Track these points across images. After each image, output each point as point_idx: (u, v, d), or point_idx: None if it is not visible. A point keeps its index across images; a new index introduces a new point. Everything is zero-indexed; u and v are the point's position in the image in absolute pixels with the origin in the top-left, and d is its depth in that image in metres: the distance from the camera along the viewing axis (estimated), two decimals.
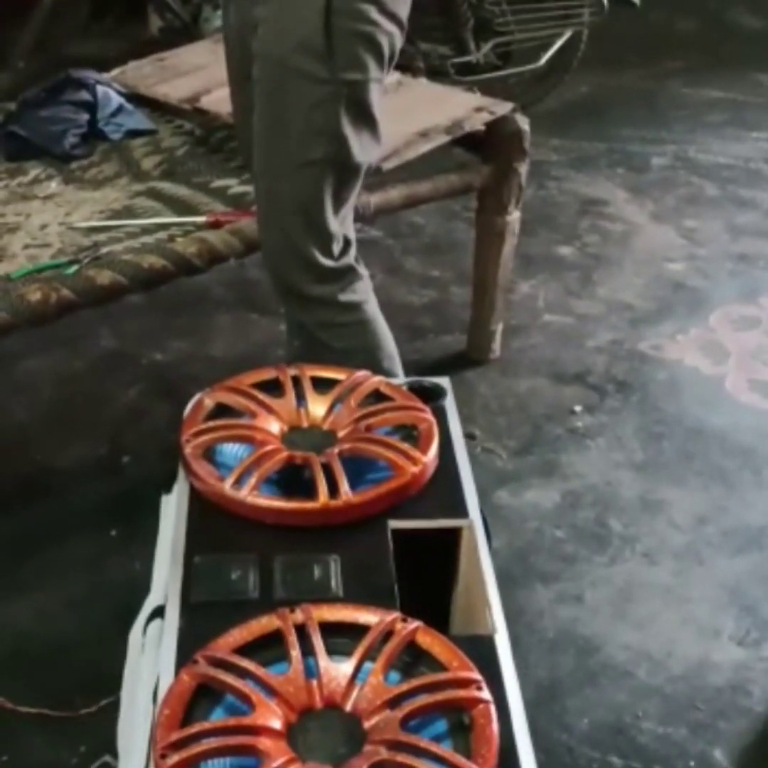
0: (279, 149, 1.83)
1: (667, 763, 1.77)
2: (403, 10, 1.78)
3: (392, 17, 1.76)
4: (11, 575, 2.06)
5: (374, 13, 1.72)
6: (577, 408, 2.63)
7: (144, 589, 1.43)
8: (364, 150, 1.85)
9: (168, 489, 1.49)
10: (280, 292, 2.02)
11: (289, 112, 1.79)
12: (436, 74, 3.81)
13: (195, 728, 1.04)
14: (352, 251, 1.97)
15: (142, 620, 1.35)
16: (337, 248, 1.92)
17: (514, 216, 2.67)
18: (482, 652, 1.19)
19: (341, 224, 1.91)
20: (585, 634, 2.01)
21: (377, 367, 1.97)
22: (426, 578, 1.44)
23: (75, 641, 1.92)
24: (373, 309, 2.04)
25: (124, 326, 2.83)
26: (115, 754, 1.41)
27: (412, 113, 2.53)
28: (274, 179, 1.87)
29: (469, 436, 2.33)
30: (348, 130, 1.79)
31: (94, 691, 1.76)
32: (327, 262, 1.91)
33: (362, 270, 2.00)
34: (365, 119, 1.82)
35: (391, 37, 1.78)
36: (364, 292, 2.02)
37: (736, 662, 1.96)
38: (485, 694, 1.09)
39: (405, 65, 3.66)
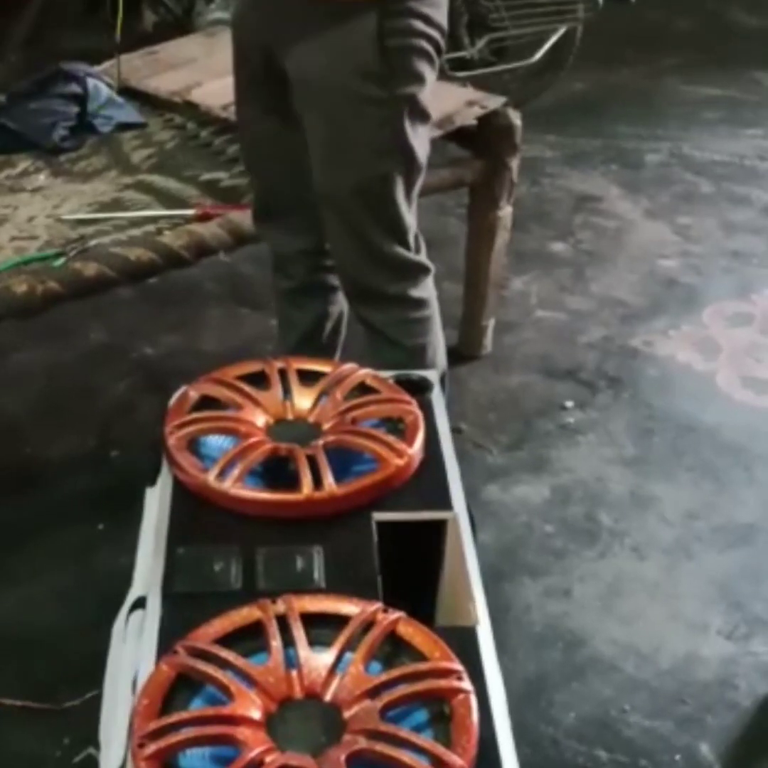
0: (347, 170, 1.86)
1: (653, 757, 1.77)
2: (444, 17, 1.83)
3: (437, 27, 1.80)
4: None
5: (422, 26, 1.77)
6: (568, 404, 2.63)
7: (131, 581, 1.43)
8: (424, 147, 1.90)
9: (152, 481, 1.49)
10: (355, 295, 2.04)
11: (354, 134, 1.82)
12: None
13: (173, 718, 1.03)
14: (422, 244, 2.02)
15: (125, 611, 1.35)
16: (413, 241, 1.97)
17: (506, 211, 2.66)
18: (464, 643, 1.18)
19: (413, 216, 1.97)
20: (573, 628, 2.01)
21: (439, 363, 2.09)
22: (411, 570, 1.43)
23: (61, 633, 1.92)
24: (436, 305, 2.09)
25: (114, 320, 2.83)
26: (98, 747, 1.40)
27: None
28: (345, 196, 1.89)
29: (456, 430, 2.32)
30: (413, 138, 1.84)
31: (80, 683, 1.76)
32: (408, 256, 1.96)
33: (431, 264, 2.04)
34: (422, 120, 1.87)
35: (438, 41, 1.82)
36: (432, 287, 2.07)
37: (723, 657, 1.96)
38: (466, 684, 1.09)
39: None
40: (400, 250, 1.95)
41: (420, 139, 1.87)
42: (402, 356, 2.02)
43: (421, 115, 1.85)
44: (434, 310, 2.08)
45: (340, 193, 1.89)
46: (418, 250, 2.00)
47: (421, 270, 2.01)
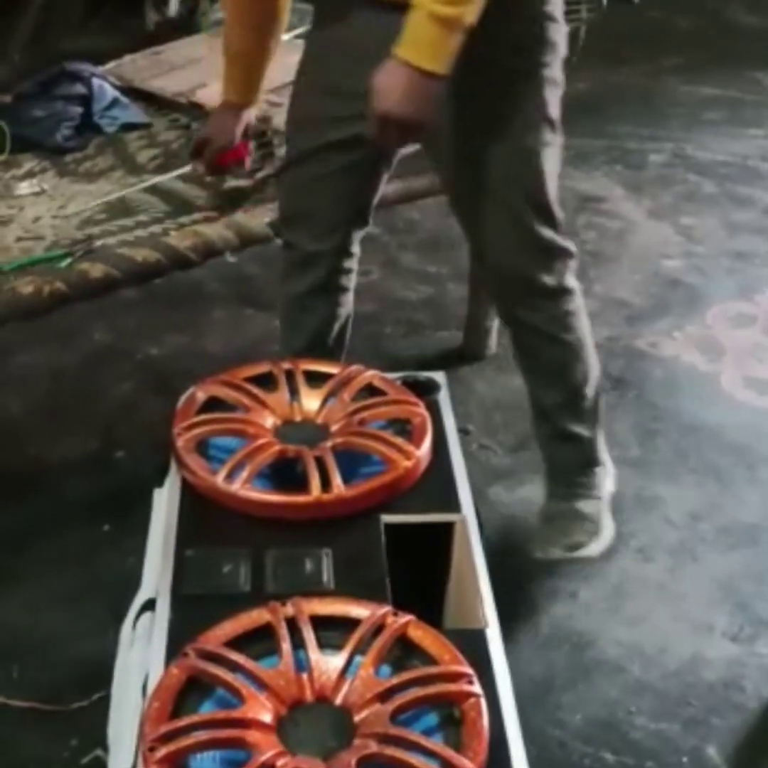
0: (498, 153, 1.81)
1: (660, 759, 1.77)
2: None
3: None
4: (3, 569, 2.06)
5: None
6: None
7: (137, 583, 1.43)
8: (559, 118, 1.87)
9: (160, 482, 1.49)
10: (511, 294, 1.98)
11: (504, 111, 1.79)
12: None
13: (184, 721, 1.03)
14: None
15: (133, 614, 1.35)
16: (561, 222, 1.92)
17: None
18: (474, 646, 1.19)
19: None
20: (579, 629, 2.00)
21: (593, 357, 2.05)
22: (419, 572, 1.43)
23: (67, 635, 1.92)
24: None
25: (118, 320, 2.82)
26: (106, 749, 1.40)
27: None
28: (498, 182, 1.83)
29: (462, 431, 2.32)
30: (554, 109, 1.82)
31: (86, 685, 1.76)
32: (560, 240, 1.91)
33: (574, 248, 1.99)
34: (558, 89, 1.84)
35: (561, 7, 1.82)
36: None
37: (729, 658, 1.96)
38: (476, 687, 1.09)
39: None
40: (554, 234, 1.89)
41: (558, 110, 1.84)
42: (565, 353, 2.00)
43: (557, 85, 1.83)
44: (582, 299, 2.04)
45: (492, 182, 1.83)
46: (564, 231, 1.94)
47: (570, 255, 1.94)
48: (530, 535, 2.12)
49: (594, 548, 2.07)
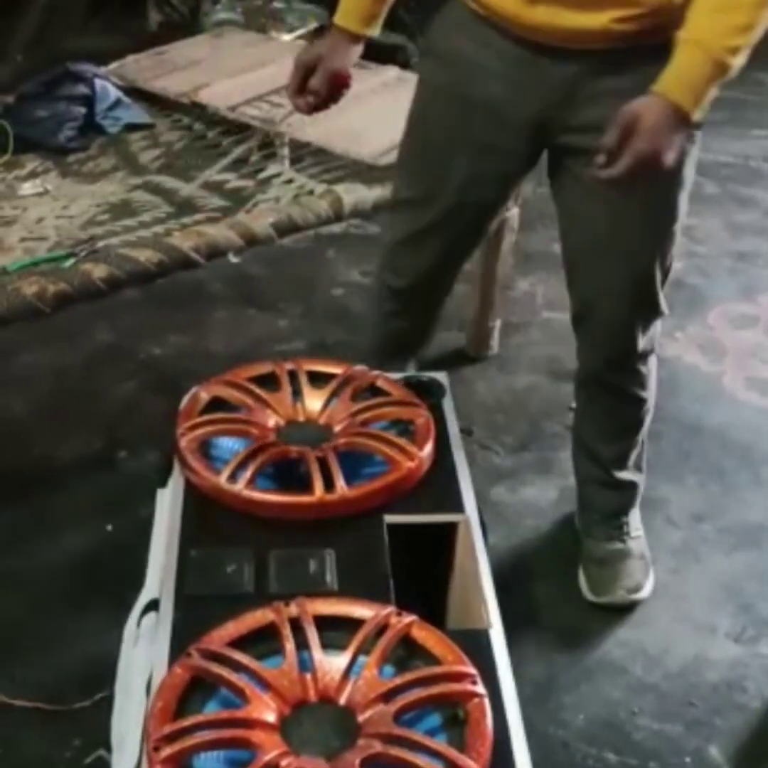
0: (641, 204, 1.70)
1: (663, 760, 1.77)
2: None
3: None
4: (6, 568, 2.06)
5: None
6: (575, 405, 2.62)
7: (140, 583, 1.43)
8: None
9: (163, 483, 1.49)
10: (609, 357, 1.92)
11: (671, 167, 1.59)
12: None
13: (188, 721, 1.03)
14: None
15: (137, 613, 1.35)
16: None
17: (513, 212, 2.66)
18: (477, 646, 1.19)
19: None
20: (581, 630, 2.00)
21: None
22: (422, 573, 1.43)
23: (70, 635, 1.92)
24: None
25: (121, 320, 2.82)
26: (109, 749, 1.41)
27: None
28: (635, 234, 1.74)
29: (466, 432, 2.32)
30: (689, 159, 1.72)
31: (90, 685, 1.76)
32: (664, 302, 1.85)
33: None
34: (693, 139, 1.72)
35: None
36: None
37: (732, 659, 1.96)
38: (480, 688, 1.09)
39: (405, 62, 3.66)
40: (663, 296, 1.84)
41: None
42: (639, 411, 1.99)
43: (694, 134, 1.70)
44: None
45: (631, 234, 1.74)
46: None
47: (663, 316, 1.90)
48: (587, 578, 2.08)
49: (648, 587, 2.07)
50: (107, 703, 1.45)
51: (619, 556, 2.07)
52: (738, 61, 1.53)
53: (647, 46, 1.56)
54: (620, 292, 1.81)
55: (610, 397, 1.98)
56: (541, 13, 1.58)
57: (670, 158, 1.52)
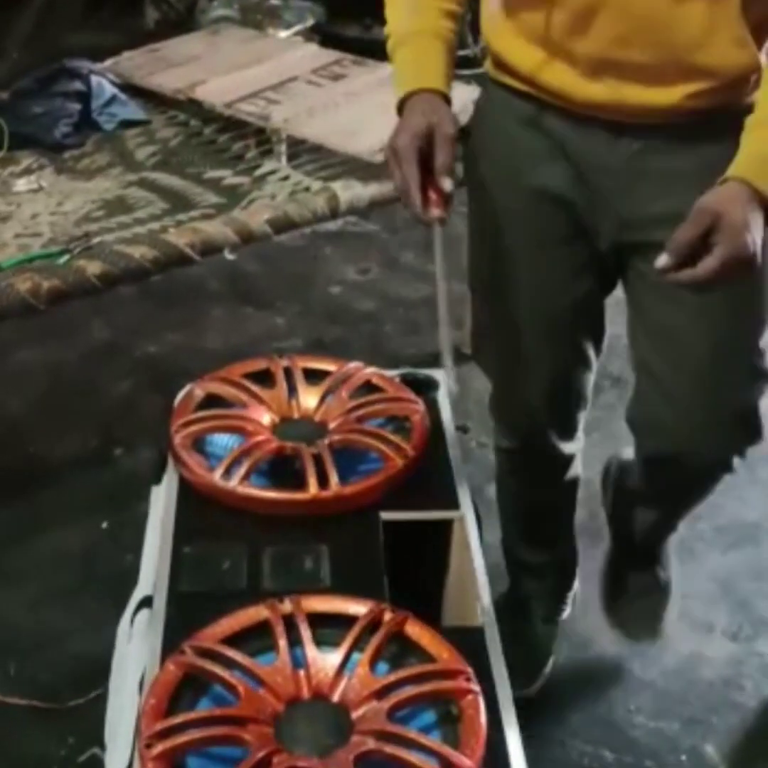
0: (733, 297, 1.41)
1: (659, 758, 1.77)
2: None
3: None
4: (2, 565, 2.05)
5: None
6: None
7: (135, 580, 1.42)
8: None
9: (158, 480, 1.48)
10: (684, 476, 1.67)
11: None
12: None
13: (180, 718, 1.03)
14: None
15: (131, 611, 1.35)
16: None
17: None
18: (471, 643, 1.18)
19: None
20: (578, 628, 2.00)
21: None
22: (418, 570, 1.43)
23: (65, 632, 1.92)
24: None
25: (117, 318, 2.82)
26: (103, 747, 1.40)
27: None
28: (731, 333, 1.50)
29: (461, 429, 2.31)
30: None
31: (84, 682, 1.76)
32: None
33: None
34: None
35: None
36: None
37: (728, 657, 1.96)
38: (474, 685, 1.09)
39: None
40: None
41: None
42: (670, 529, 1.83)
43: None
44: None
45: (719, 332, 1.50)
46: None
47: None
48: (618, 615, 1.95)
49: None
50: (101, 700, 1.44)
51: (656, 590, 1.90)
52: None
53: (717, 123, 1.38)
54: (706, 422, 1.54)
55: (670, 514, 1.78)
56: (601, 89, 1.40)
57: (759, 256, 1.26)
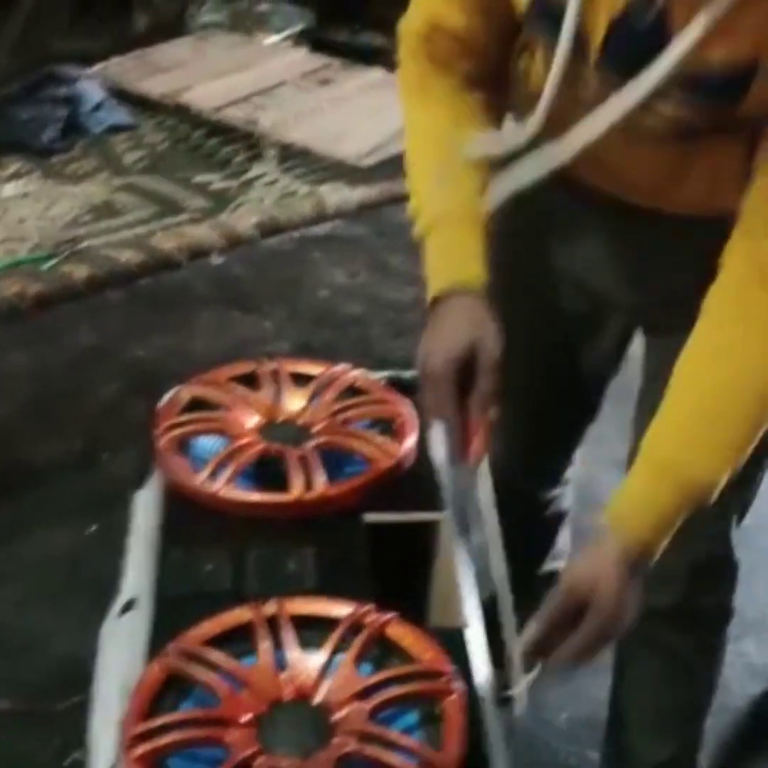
0: None
1: None
2: None
3: None
4: None
5: None
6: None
7: (120, 583, 1.42)
8: None
9: (142, 483, 1.48)
10: (676, 612, 1.50)
11: None
12: None
13: (162, 720, 1.03)
14: None
15: (115, 614, 1.34)
16: None
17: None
18: (455, 644, 1.18)
19: None
20: None
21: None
22: (404, 571, 1.43)
23: (51, 635, 1.91)
24: None
25: (104, 322, 2.82)
26: (88, 750, 1.40)
27: (393, 110, 2.52)
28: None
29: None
30: None
31: (69, 685, 1.75)
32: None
33: None
34: None
35: None
36: None
37: None
38: (457, 685, 1.09)
39: (390, 63, 3.66)
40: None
41: None
42: (698, 696, 1.58)
43: None
44: None
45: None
46: None
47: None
48: None
49: None
50: (86, 703, 1.44)
51: None
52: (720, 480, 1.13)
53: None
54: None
55: (663, 664, 1.52)
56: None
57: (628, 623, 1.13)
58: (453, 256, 1.22)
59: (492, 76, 1.25)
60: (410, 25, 1.25)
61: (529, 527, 1.72)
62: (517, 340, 1.25)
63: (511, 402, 1.35)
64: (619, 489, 1.16)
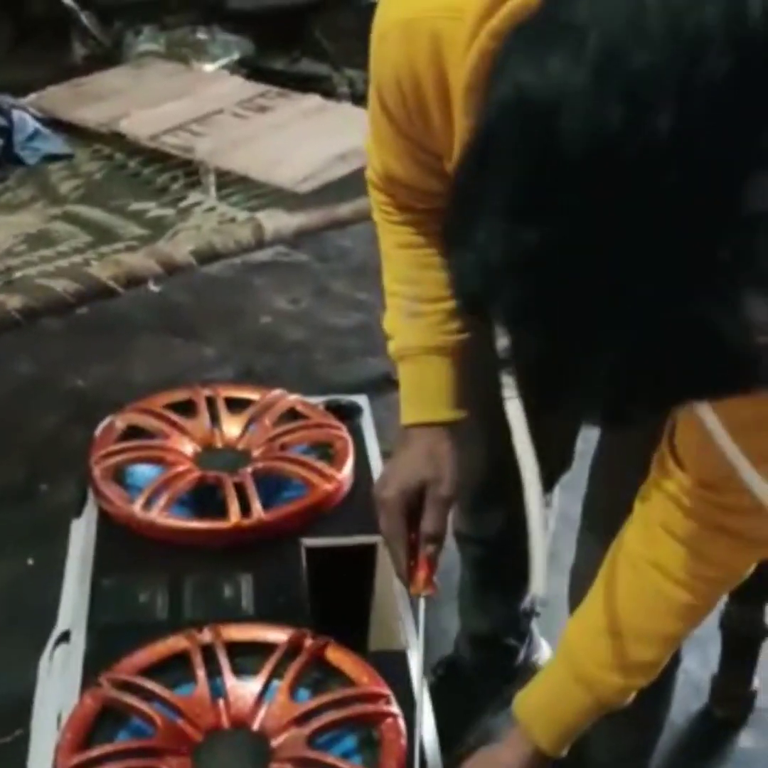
0: None
1: None
2: None
3: None
4: None
5: None
6: None
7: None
8: None
9: (78, 513, 1.47)
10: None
11: None
12: (363, 100, 3.82)
13: (97, 751, 1.02)
14: None
15: (51, 646, 1.33)
16: None
17: None
18: (394, 667, 1.18)
19: None
20: None
21: None
22: (344, 595, 1.43)
23: None
24: None
25: (43, 352, 2.79)
26: None
27: (332, 136, 2.54)
28: None
29: (387, 455, 2.32)
30: None
31: (8, 720, 1.72)
32: None
33: None
34: None
35: None
36: None
37: None
38: (394, 708, 1.09)
39: (329, 92, 3.68)
40: None
41: None
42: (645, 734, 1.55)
43: None
44: None
45: None
46: None
47: None
48: None
49: None
50: (25, 739, 1.41)
51: None
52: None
53: None
54: None
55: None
56: None
57: None
58: (421, 388, 1.24)
59: None
60: (370, 171, 1.24)
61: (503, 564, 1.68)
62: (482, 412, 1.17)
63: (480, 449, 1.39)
64: (536, 680, 1.13)
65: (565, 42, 0.61)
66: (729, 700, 1.93)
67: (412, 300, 1.21)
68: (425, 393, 1.24)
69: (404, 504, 1.19)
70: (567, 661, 1.08)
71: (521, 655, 1.84)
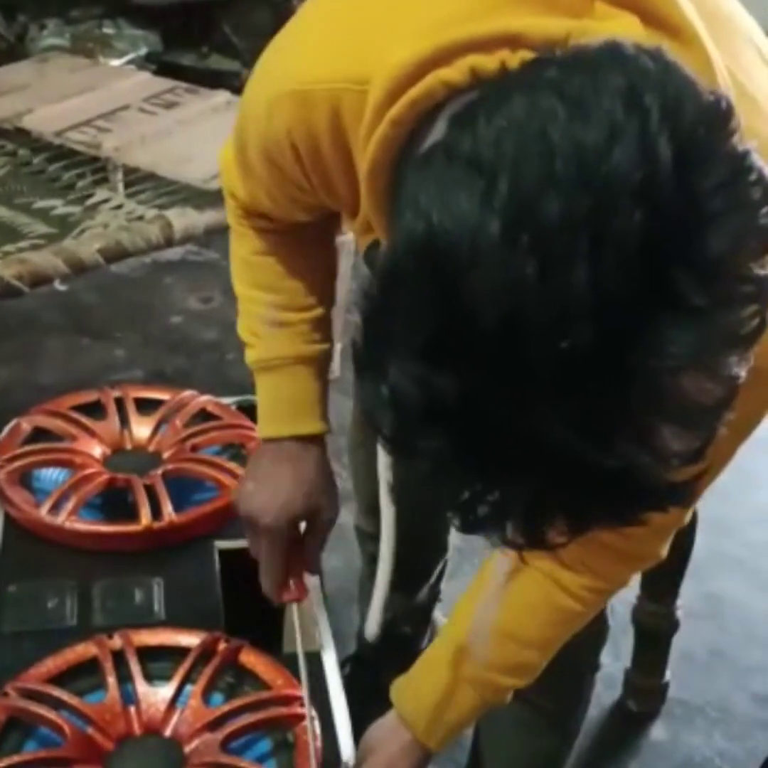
0: None
1: None
2: None
3: None
4: None
5: None
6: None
7: None
8: None
9: None
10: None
11: None
12: None
13: (3, 763, 0.99)
14: None
15: None
16: None
17: (349, 236, 2.67)
18: (309, 668, 1.17)
19: None
20: None
21: None
22: (258, 598, 1.41)
23: None
24: None
25: None
26: None
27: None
28: None
29: None
30: None
31: None
32: None
33: None
34: None
35: None
36: None
37: None
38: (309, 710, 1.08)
39: (239, 87, 3.65)
40: None
41: None
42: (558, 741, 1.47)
43: None
44: None
45: None
46: None
47: None
48: None
49: None
50: None
51: None
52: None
53: None
54: None
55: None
56: None
57: None
58: (291, 401, 1.18)
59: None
60: (229, 188, 1.13)
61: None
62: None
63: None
64: (417, 677, 1.12)
65: (473, 182, 0.59)
66: (642, 693, 1.96)
67: (275, 308, 1.16)
68: (296, 405, 1.18)
69: (288, 530, 1.15)
70: (454, 661, 1.07)
71: (424, 642, 1.84)
